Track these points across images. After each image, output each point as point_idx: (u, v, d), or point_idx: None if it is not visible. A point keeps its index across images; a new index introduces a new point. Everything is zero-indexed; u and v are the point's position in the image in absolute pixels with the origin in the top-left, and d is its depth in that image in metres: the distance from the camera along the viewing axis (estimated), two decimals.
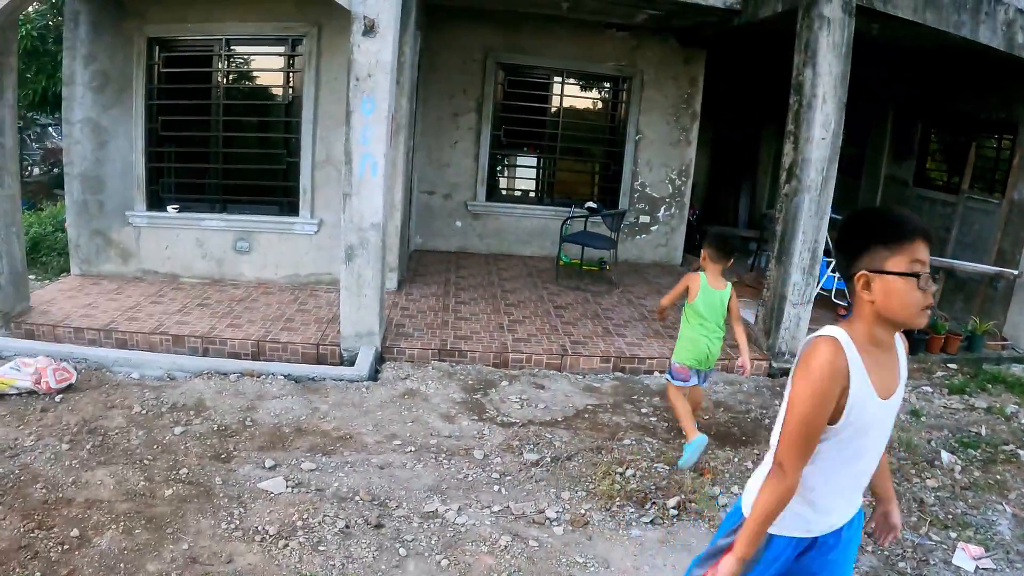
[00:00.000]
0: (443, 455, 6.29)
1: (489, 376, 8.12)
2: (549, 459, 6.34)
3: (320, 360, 8.22)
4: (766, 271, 9.51)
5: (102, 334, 8.22)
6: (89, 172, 10.06)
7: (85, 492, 5.29)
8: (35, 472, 5.49)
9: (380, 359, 8.19)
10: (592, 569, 4.99)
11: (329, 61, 9.80)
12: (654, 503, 5.82)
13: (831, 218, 11.35)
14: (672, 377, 6.83)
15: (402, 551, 4.95)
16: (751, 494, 3.07)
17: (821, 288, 11.29)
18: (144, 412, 6.60)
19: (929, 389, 9.24)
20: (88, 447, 5.93)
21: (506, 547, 5.09)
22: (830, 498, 3.02)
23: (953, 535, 6.00)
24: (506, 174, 13.89)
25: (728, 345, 8.04)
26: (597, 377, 8.51)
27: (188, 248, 10.26)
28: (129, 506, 5.16)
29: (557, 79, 13.32)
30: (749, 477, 5.72)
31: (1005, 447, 7.75)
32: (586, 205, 12.04)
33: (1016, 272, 11.17)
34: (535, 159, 13.71)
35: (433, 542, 5.09)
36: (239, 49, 10.39)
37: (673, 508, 5.78)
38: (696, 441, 6.41)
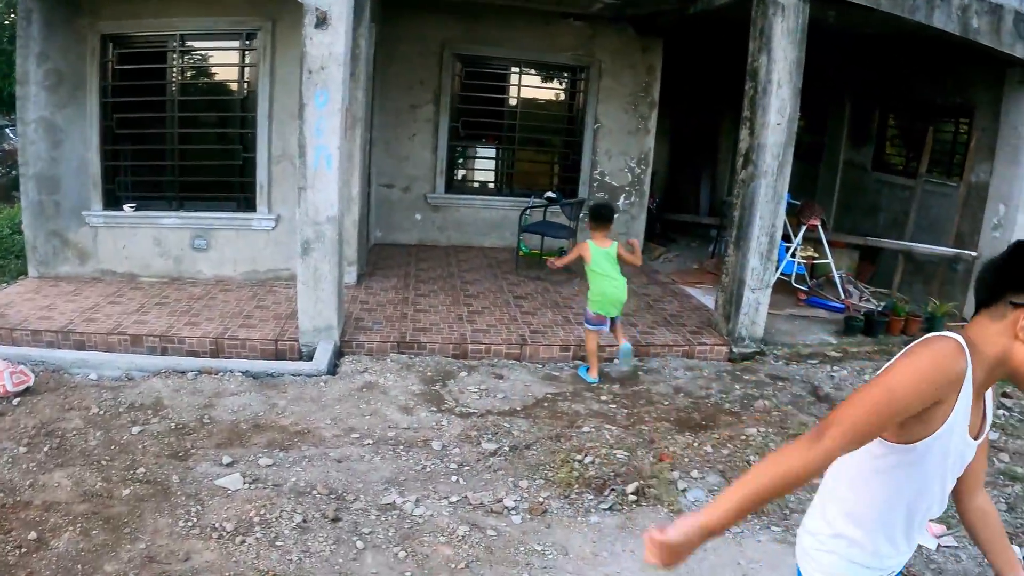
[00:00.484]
0: (401, 447, 6.28)
1: (448, 367, 8.11)
2: (507, 448, 6.36)
3: (279, 356, 8.16)
4: (726, 257, 9.54)
5: (60, 336, 8.13)
6: (45, 172, 9.93)
7: (43, 495, 5.25)
8: None
9: (339, 353, 8.17)
10: (550, 557, 5.00)
11: (284, 55, 9.73)
12: (613, 489, 5.84)
13: (789, 203, 11.47)
14: (589, 324, 8.19)
15: (359, 544, 4.95)
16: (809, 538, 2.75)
17: (781, 273, 11.36)
18: (102, 413, 6.55)
19: None
20: (46, 449, 5.88)
21: (464, 537, 5.10)
22: (876, 537, 2.59)
23: None
24: (465, 166, 13.86)
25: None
26: (557, 366, 8.53)
27: (146, 247, 10.17)
28: (87, 507, 5.13)
29: (515, 70, 13.30)
30: (710, 462, 5.78)
31: None
32: (545, 195, 12.01)
33: (974, 254, 11.27)
34: (494, 150, 13.71)
35: (391, 534, 5.09)
36: (193, 44, 10.31)
37: (632, 494, 5.80)
38: (592, 378, 8.13)
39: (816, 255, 12.09)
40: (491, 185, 13.83)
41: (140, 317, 8.64)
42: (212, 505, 5.24)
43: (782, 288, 11.65)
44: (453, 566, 4.82)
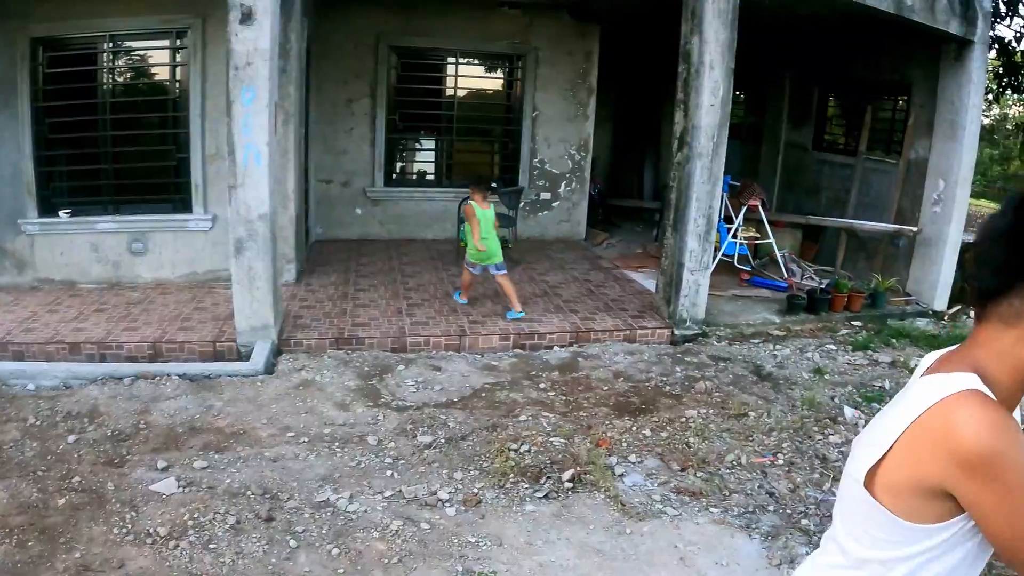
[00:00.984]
0: (337, 444, 6.23)
1: (386, 361, 8.05)
2: (443, 440, 6.33)
3: (218, 357, 8.05)
4: (665, 240, 9.56)
5: None
6: None
7: None
8: None
9: (277, 352, 8.07)
10: (484, 548, 4.98)
11: (215, 52, 9.59)
12: (549, 477, 5.83)
13: (729, 184, 11.53)
14: (468, 267, 9.54)
15: (293, 543, 4.90)
16: None
17: (723, 254, 11.42)
18: (39, 423, 6.42)
19: (833, 347, 9.38)
20: None
21: (398, 532, 5.07)
22: None
23: None
24: (404, 158, 13.79)
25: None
26: (496, 355, 8.50)
27: (83, 253, 10.00)
28: (23, 519, 5.03)
29: (451, 60, 13.23)
30: (648, 446, 5.74)
31: None
32: None
33: (915, 229, 11.37)
34: (433, 141, 13.63)
35: (324, 532, 5.04)
36: (124, 45, 10.13)
37: (568, 481, 5.79)
38: (463, 301, 9.75)
39: (758, 235, 12.15)
40: (431, 177, 13.75)
41: (78, 325, 8.49)
42: (147, 511, 5.16)
43: (725, 269, 11.72)
44: (386, 561, 4.78)
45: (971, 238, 15.83)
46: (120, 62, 10.25)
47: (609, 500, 5.63)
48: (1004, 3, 14.81)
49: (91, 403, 6.78)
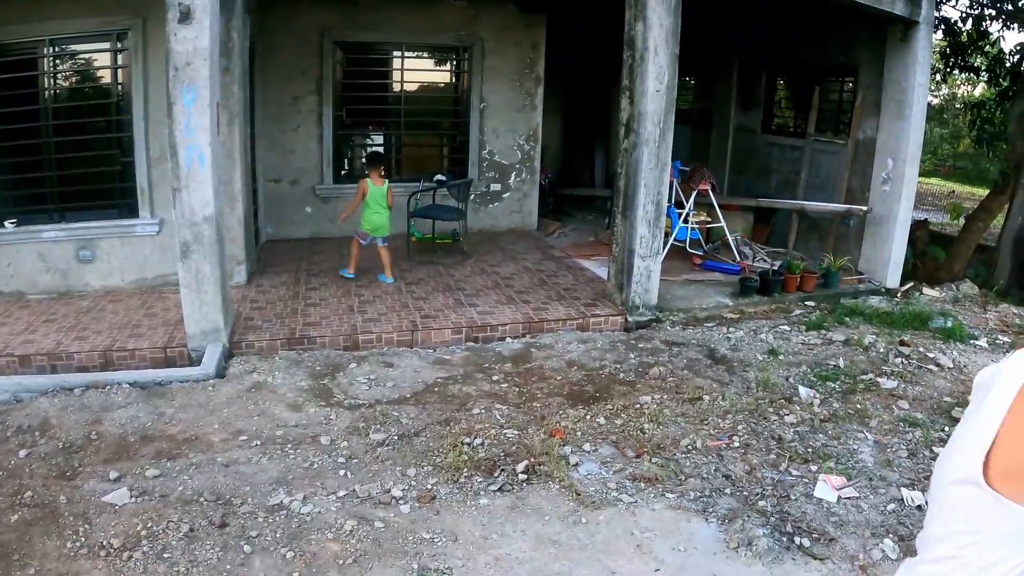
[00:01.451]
0: (289, 445, 6.17)
1: (337, 360, 7.99)
2: (396, 437, 6.29)
3: (170, 363, 7.95)
4: (615, 227, 9.57)
5: None
6: None
7: None
8: None
9: (229, 355, 8.00)
10: (440, 544, 4.96)
11: (156, 53, 9.43)
12: (503, 470, 5.82)
13: (679, 170, 11.57)
14: (358, 237, 10.30)
15: (247, 548, 4.85)
16: None
17: (675, 239, 11.45)
18: None
19: (787, 328, 9.44)
20: None
21: (352, 532, 5.03)
22: None
23: (814, 468, 6.13)
24: (353, 154, 13.67)
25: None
26: (449, 349, 8.49)
27: (30, 263, 9.83)
28: None
29: (397, 53, 13.15)
30: (603, 434, 5.75)
31: (864, 376, 7.95)
32: (435, 178, 11.94)
33: (866, 208, 11.48)
34: (381, 136, 13.54)
35: (278, 535, 4.99)
36: (65, 49, 9.97)
37: (522, 473, 5.78)
38: (350, 275, 10.45)
39: (709, 219, 12.21)
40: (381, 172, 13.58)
41: (28, 336, 8.34)
42: (100, 523, 5.08)
43: (678, 254, 11.76)
44: (341, 562, 4.75)
45: (922, 216, 16.06)
46: (62, 67, 10.09)
47: (564, 490, 5.63)
48: None
49: (42, 416, 6.66)
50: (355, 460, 5.96)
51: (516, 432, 6.37)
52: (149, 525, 5.03)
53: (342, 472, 5.79)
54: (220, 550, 4.82)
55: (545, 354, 8.35)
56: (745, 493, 5.75)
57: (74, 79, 10.33)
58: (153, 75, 9.55)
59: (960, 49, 15.27)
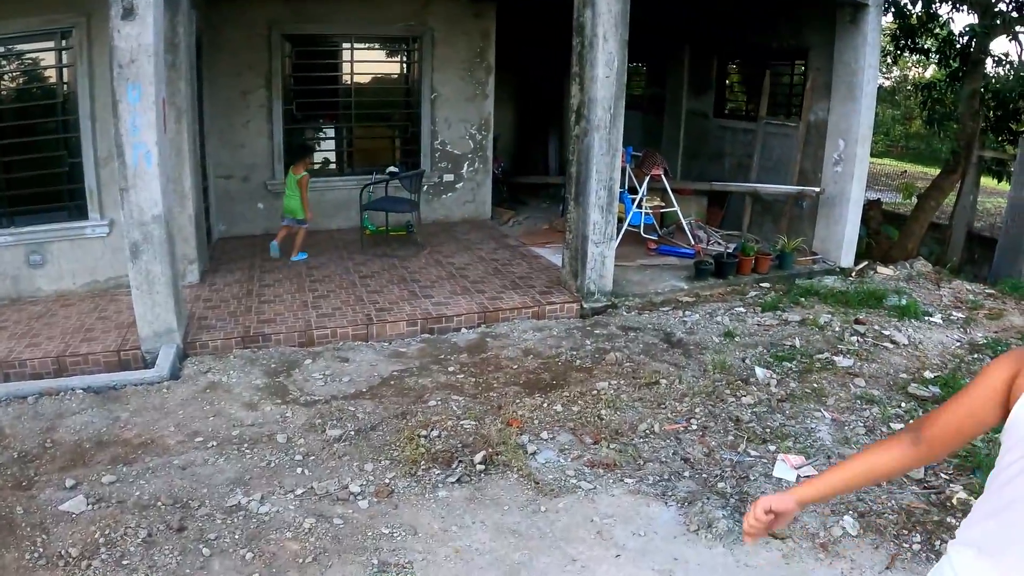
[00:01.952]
0: (246, 445, 6.12)
1: (292, 357, 7.94)
2: (353, 432, 6.27)
3: (124, 367, 7.85)
4: (568, 214, 9.58)
5: None
6: None
7: None
8: None
9: (184, 356, 7.92)
10: (399, 538, 4.94)
11: (101, 51, 9.26)
12: (460, 461, 5.81)
13: (631, 155, 11.58)
14: (281, 220, 11.12)
15: (206, 551, 4.80)
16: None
17: (629, 225, 11.47)
18: None
19: (742, 310, 9.48)
20: None
21: (311, 529, 5.00)
22: (965, 548, 2.31)
23: (772, 448, 6.17)
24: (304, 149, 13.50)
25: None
26: (404, 342, 8.46)
27: None
28: None
29: (347, 45, 13.03)
30: (560, 421, 5.73)
31: (820, 355, 8.00)
32: (387, 170, 11.87)
33: (818, 189, 11.58)
34: (333, 130, 13.43)
35: (237, 536, 4.95)
36: (8, 49, 9.80)
37: (480, 463, 5.77)
38: (275, 253, 11.13)
39: (663, 204, 12.23)
40: (333, 166, 13.57)
41: None
42: (57, 532, 5.01)
43: (632, 239, 11.78)
44: (301, 561, 4.72)
45: (874, 196, 16.17)
46: (6, 67, 9.93)
47: (523, 479, 5.63)
48: None
49: None
50: (312, 457, 5.93)
51: (473, 423, 6.37)
52: (107, 532, 4.97)
53: (299, 470, 5.75)
54: (179, 554, 4.77)
55: (501, 343, 8.35)
56: (704, 475, 5.77)
57: (18, 80, 10.15)
58: (98, 73, 9.41)
59: (910, 31, 15.36)
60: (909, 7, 14.46)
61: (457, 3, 12.96)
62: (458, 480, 5.58)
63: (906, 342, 8.50)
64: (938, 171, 16.13)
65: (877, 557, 4.87)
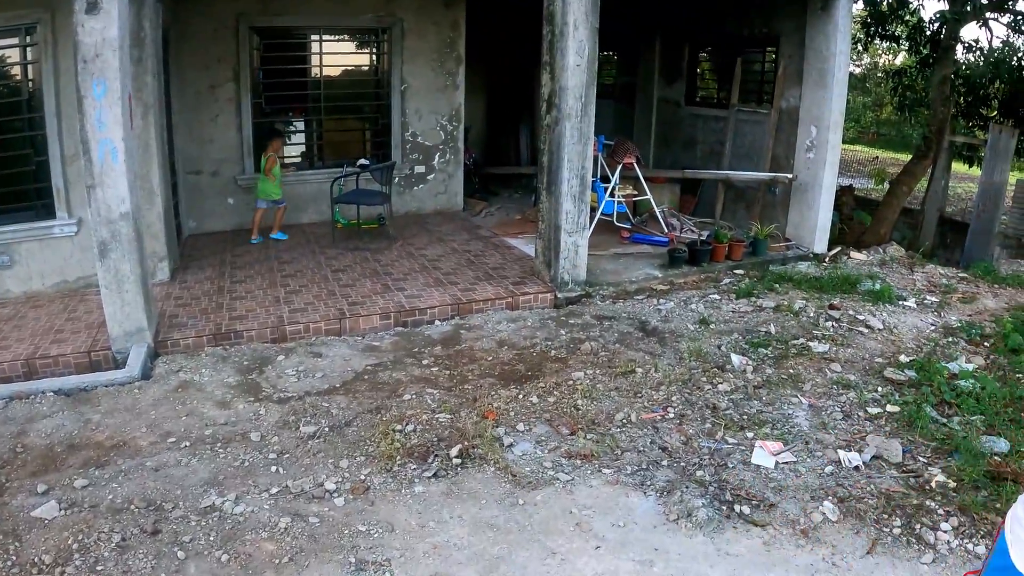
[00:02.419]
0: (219, 444, 6.04)
1: (265, 353, 7.86)
2: (327, 428, 6.21)
3: (94, 368, 7.74)
4: (541, 204, 9.54)
5: None
6: None
7: None
8: None
9: (155, 355, 7.82)
10: (376, 536, 4.89)
11: (66, 47, 9.12)
12: (436, 455, 5.76)
13: (603, 144, 11.55)
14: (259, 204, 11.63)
15: (180, 554, 4.73)
16: None
17: (602, 213, 11.44)
18: None
19: (717, 296, 9.48)
20: None
21: (286, 529, 4.94)
22: None
23: (750, 435, 6.16)
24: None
25: None
26: (378, 336, 8.40)
27: None
28: None
29: (315, 37, 12.89)
30: (536, 412, 5.67)
31: (795, 341, 8.00)
32: (358, 162, 11.78)
33: (791, 176, 11.59)
34: (302, 122, 13.30)
35: (212, 538, 4.88)
36: None
37: (456, 457, 5.73)
38: (257, 240, 11.54)
39: (636, 192, 12.21)
40: (302, 159, 13.44)
41: None
42: (30, 539, 4.91)
43: (606, 228, 11.76)
44: (277, 561, 4.65)
45: (847, 182, 16.24)
46: None
47: (499, 472, 5.58)
48: None
49: None
50: (286, 455, 5.86)
51: (448, 416, 6.33)
52: (80, 538, 4.88)
53: (274, 468, 5.68)
54: (153, 558, 4.70)
55: (475, 335, 8.31)
56: (682, 464, 5.74)
57: None
58: (64, 69, 9.27)
59: (881, 18, 15.44)
60: None
61: None
62: (434, 475, 5.53)
63: (881, 327, 8.51)
64: (909, 157, 16.23)
65: (858, 542, 4.86)
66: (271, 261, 10.67)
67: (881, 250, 11.90)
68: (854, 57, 29.43)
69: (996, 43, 15.61)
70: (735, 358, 7.57)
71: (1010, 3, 14.36)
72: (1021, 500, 2.57)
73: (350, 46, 13.79)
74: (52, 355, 7.74)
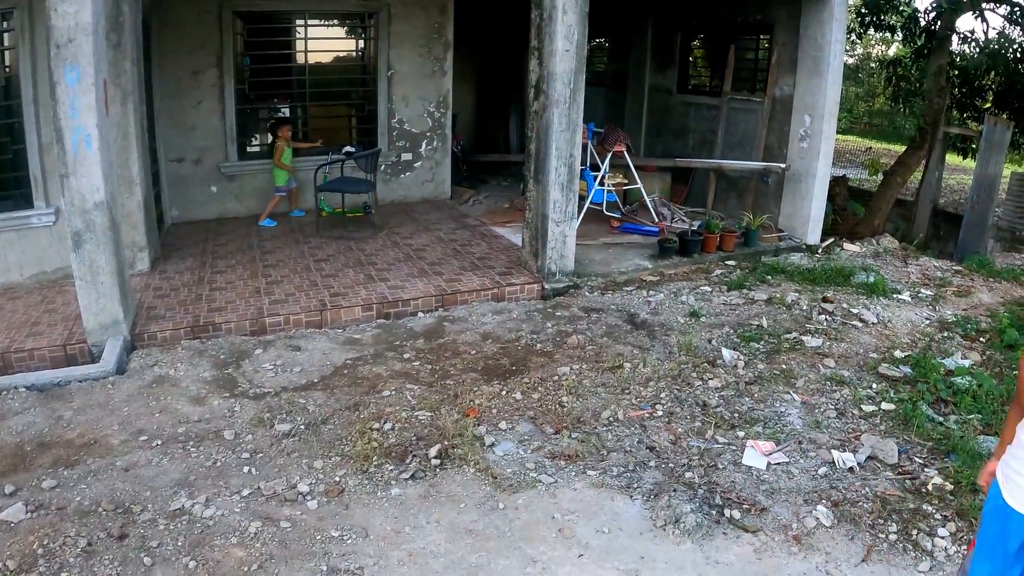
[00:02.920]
0: (191, 443, 5.84)
1: (243, 346, 7.66)
2: (303, 426, 6.03)
3: (70, 361, 7.55)
4: (528, 192, 9.37)
5: None
6: None
7: None
8: None
9: (132, 348, 7.62)
10: (349, 542, 4.71)
11: (44, 33, 8.95)
12: (415, 455, 5.59)
13: (594, 132, 11.39)
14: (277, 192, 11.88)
15: (147, 560, 4.55)
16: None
17: (592, 202, 11.29)
18: None
19: (708, 288, 9.34)
20: None
21: (256, 534, 4.76)
22: None
23: (741, 434, 6.00)
24: (258, 129, 13.17)
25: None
26: (359, 328, 8.23)
27: None
28: None
29: (300, 22, 12.69)
30: (520, 410, 5.48)
31: (788, 335, 7.86)
32: (344, 150, 11.62)
33: (784, 165, 11.47)
34: (287, 109, 13.08)
35: (180, 543, 4.70)
36: None
37: (435, 457, 5.55)
38: (267, 223, 11.80)
39: (626, 181, 12.05)
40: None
41: None
42: None
43: (595, 218, 11.61)
44: (246, 568, 4.47)
45: (840, 172, 16.17)
46: None
47: (480, 473, 5.40)
48: None
49: None
50: (260, 455, 5.68)
51: (429, 413, 6.15)
52: (45, 542, 4.69)
53: (246, 469, 5.50)
54: (120, 564, 4.52)
55: (459, 327, 8.15)
56: (671, 465, 5.57)
57: None
58: (42, 55, 9.04)
59: (876, 8, 15.34)
60: None
61: None
62: (412, 476, 5.35)
63: (875, 320, 8.36)
64: (901, 147, 16.18)
65: (853, 549, 4.71)
66: (254, 251, 10.48)
67: (875, 241, 11.78)
68: (847, 47, 29.42)
69: (992, 34, 15.47)
70: (726, 353, 7.41)
71: None
72: (1010, 448, 3.32)
73: (335, 31, 13.62)
74: (27, 348, 7.54)
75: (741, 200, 12.56)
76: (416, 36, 12.94)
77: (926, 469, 5.54)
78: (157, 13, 11.15)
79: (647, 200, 11.89)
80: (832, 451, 5.74)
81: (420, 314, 8.53)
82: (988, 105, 15.86)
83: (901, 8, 15.79)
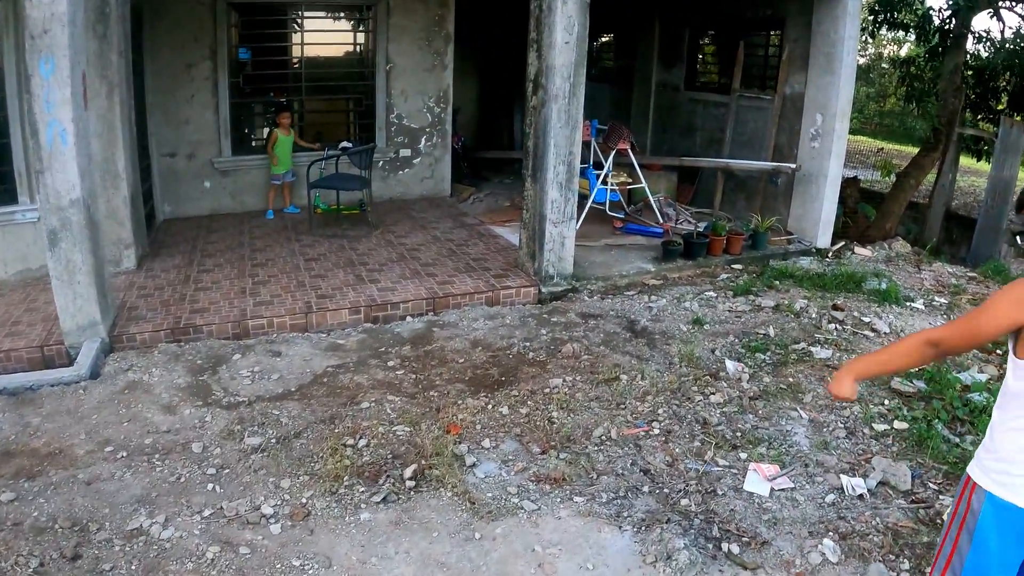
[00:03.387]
0: (157, 456, 5.54)
1: (221, 351, 7.36)
2: (274, 440, 5.71)
3: (48, 363, 7.27)
4: (525, 191, 9.09)
5: None
6: None
7: None
8: None
9: (110, 350, 7.35)
10: (311, 571, 4.39)
11: None
12: (389, 476, 5.25)
13: (598, 129, 11.10)
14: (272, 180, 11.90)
15: None
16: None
17: (594, 202, 11.05)
18: None
19: (712, 294, 9.05)
20: None
21: (213, 560, 4.44)
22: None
23: (743, 456, 5.66)
24: (253, 123, 12.97)
25: None
26: (344, 332, 7.95)
27: None
28: None
29: (296, 14, 12.48)
30: (506, 426, 5.12)
31: (796, 346, 7.54)
32: (340, 145, 11.38)
33: (794, 166, 11.24)
34: (283, 103, 12.79)
35: (134, 567, 4.40)
36: None
37: (410, 479, 5.20)
38: (269, 213, 11.95)
39: (630, 180, 11.79)
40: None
41: None
42: None
43: (597, 218, 11.35)
44: None
45: (851, 173, 15.90)
46: None
47: (457, 498, 5.04)
48: None
49: None
50: (226, 470, 5.35)
51: (408, 429, 5.82)
52: None
53: (210, 486, 5.18)
54: None
55: (448, 333, 7.84)
56: (666, 490, 5.22)
57: None
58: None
59: (889, 5, 15.07)
60: None
61: None
62: (384, 499, 5.01)
63: (887, 330, 8.04)
64: (912, 148, 15.94)
65: None
66: (244, 248, 10.21)
67: (887, 245, 11.51)
68: (859, 47, 29.19)
69: (1008, 34, 15.20)
70: (730, 364, 7.08)
71: None
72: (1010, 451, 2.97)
73: (333, 23, 13.34)
74: (4, 349, 7.26)
75: (749, 201, 12.30)
76: (416, 29, 12.68)
77: (941, 496, 5.18)
78: (150, 5, 10.92)
79: (652, 200, 11.63)
80: (841, 476, 5.38)
81: (409, 318, 8.25)
82: (1003, 107, 15.59)
83: (915, 6, 15.51)
